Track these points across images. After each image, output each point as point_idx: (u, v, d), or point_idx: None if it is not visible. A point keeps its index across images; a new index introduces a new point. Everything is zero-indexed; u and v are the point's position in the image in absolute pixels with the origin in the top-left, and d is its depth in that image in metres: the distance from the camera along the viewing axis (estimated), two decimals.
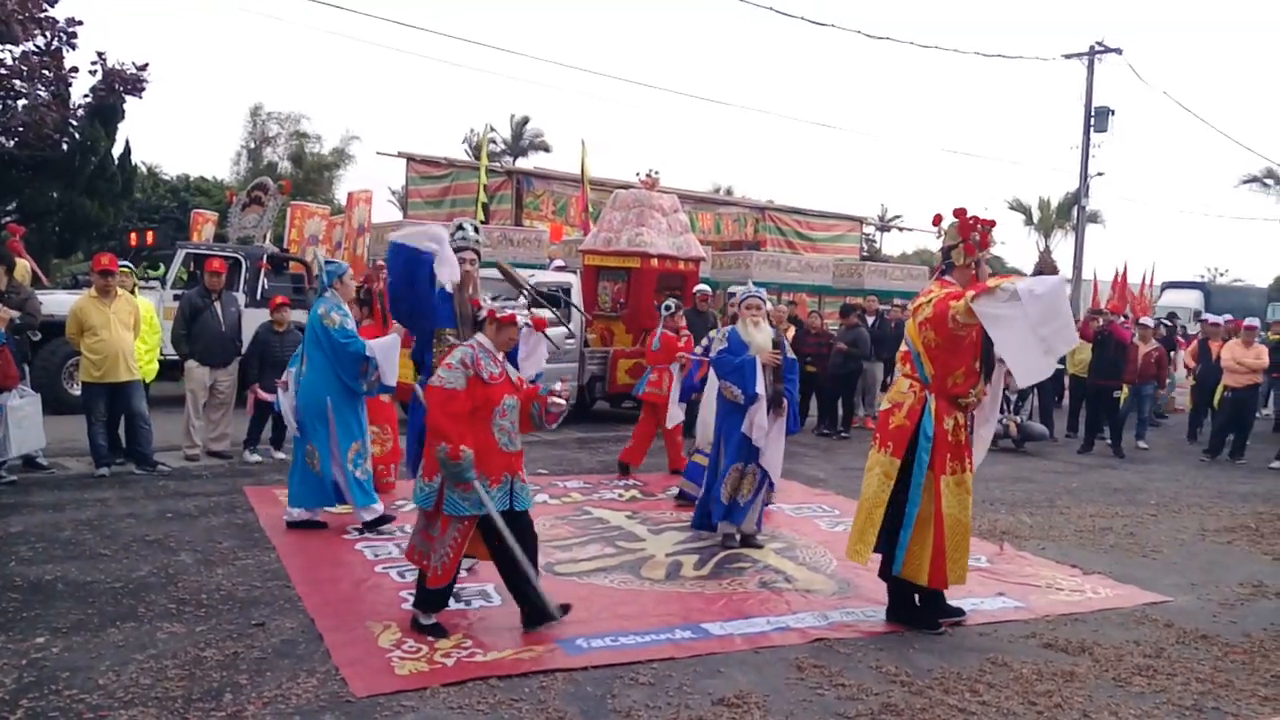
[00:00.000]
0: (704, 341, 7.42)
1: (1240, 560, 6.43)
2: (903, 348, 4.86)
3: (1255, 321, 11.76)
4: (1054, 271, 29.78)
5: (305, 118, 33.33)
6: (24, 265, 8.23)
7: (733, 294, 6.82)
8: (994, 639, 4.66)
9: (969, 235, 4.74)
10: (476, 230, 5.49)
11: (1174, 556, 6.45)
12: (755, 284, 7.18)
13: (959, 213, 4.79)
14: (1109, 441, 11.21)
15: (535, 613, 4.41)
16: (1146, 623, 4.99)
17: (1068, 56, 23.15)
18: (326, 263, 6.71)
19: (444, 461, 4.05)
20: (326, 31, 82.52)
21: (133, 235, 12.99)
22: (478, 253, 5.38)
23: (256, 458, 8.21)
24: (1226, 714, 3.84)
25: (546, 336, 5.57)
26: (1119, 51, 22.82)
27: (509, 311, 4.49)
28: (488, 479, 4.21)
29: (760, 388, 5.89)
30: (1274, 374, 12.75)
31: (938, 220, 4.90)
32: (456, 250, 5.16)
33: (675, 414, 8.11)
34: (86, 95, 16.43)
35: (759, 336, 6.07)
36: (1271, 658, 4.52)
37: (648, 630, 4.49)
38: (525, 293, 6.20)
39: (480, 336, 4.41)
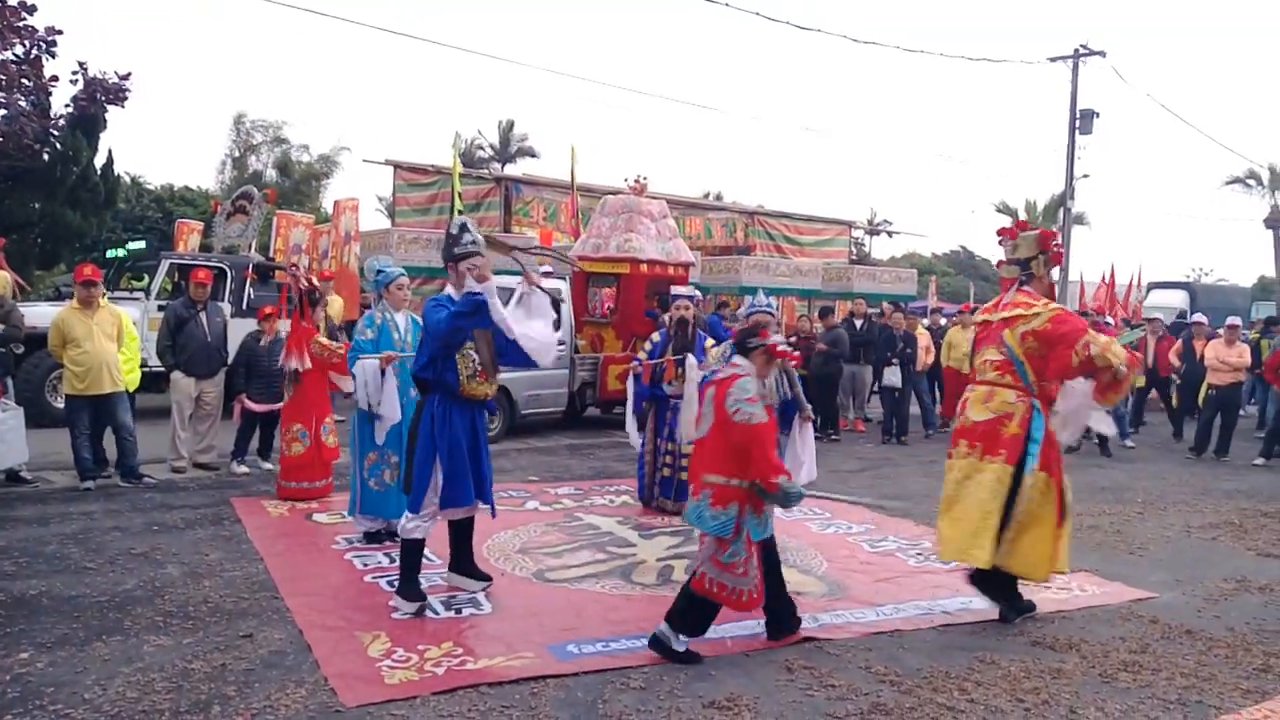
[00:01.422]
0: (647, 346, 7.39)
1: (1225, 556, 6.49)
2: (997, 356, 4.97)
3: (1238, 320, 11.88)
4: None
5: (287, 124, 33.08)
6: (4, 277, 8.17)
7: (728, 302, 6.89)
8: (982, 637, 4.69)
9: (1050, 246, 5.05)
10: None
11: (1160, 553, 6.50)
12: (743, 288, 7.21)
13: (1022, 223, 5.27)
14: (1095, 440, 11.28)
15: (784, 625, 4.53)
16: (1133, 619, 5.03)
17: (1052, 60, 23.37)
18: (378, 271, 6.23)
19: (787, 491, 4.08)
20: (311, 39, 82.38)
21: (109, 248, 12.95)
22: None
23: (244, 469, 8.18)
24: (1209, 707, 3.87)
25: (541, 288, 4.99)
26: (1103, 55, 23.04)
27: (784, 348, 4.43)
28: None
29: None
30: (1256, 372, 12.87)
31: (1012, 233, 5.19)
32: (467, 256, 4.76)
33: (632, 429, 7.27)
34: (67, 105, 16.33)
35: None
36: (1254, 651, 4.57)
37: (639, 635, 4.48)
38: (515, 257, 5.51)
39: (745, 364, 4.32)
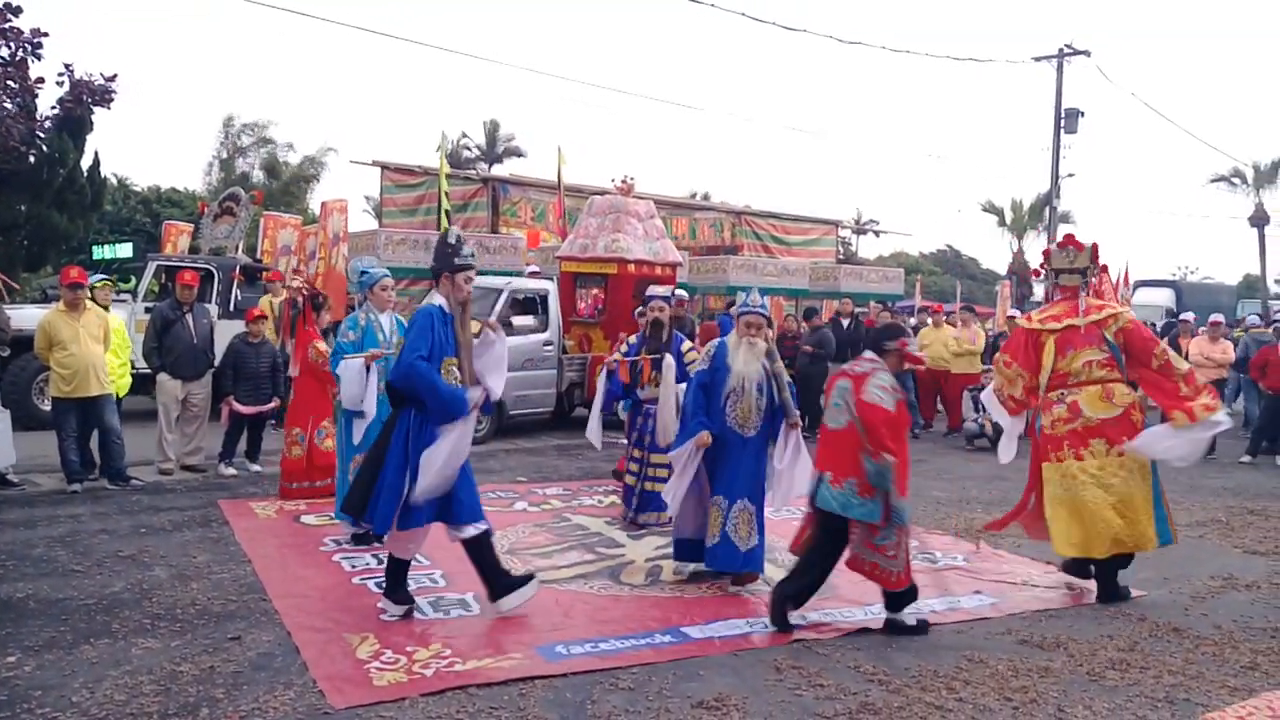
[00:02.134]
0: (622, 348, 7.00)
1: (1211, 554, 6.53)
2: (1101, 355, 5.41)
3: (1220, 317, 11.98)
4: (1027, 271, 30.22)
5: (275, 125, 32.98)
6: None
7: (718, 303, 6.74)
8: (970, 636, 4.71)
9: (1099, 258, 5.74)
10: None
11: (1147, 551, 6.52)
12: (731, 288, 7.20)
13: (1069, 238, 5.88)
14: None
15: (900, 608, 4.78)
16: (1120, 617, 5.06)
17: (1037, 59, 23.54)
18: (362, 272, 6.24)
19: (885, 470, 4.45)
20: (298, 40, 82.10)
21: (95, 249, 12.86)
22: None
23: (231, 471, 8.15)
24: (1197, 705, 3.89)
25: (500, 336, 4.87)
26: (1087, 54, 23.19)
27: (914, 352, 4.88)
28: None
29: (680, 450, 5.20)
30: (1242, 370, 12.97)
31: (1079, 245, 5.75)
32: (462, 269, 4.64)
33: (595, 430, 6.89)
34: (54, 107, 16.23)
35: (743, 362, 5.23)
36: (1241, 649, 4.60)
37: (627, 635, 4.50)
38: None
39: (879, 361, 4.73)
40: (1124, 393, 5.39)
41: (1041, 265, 6.06)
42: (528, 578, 4.88)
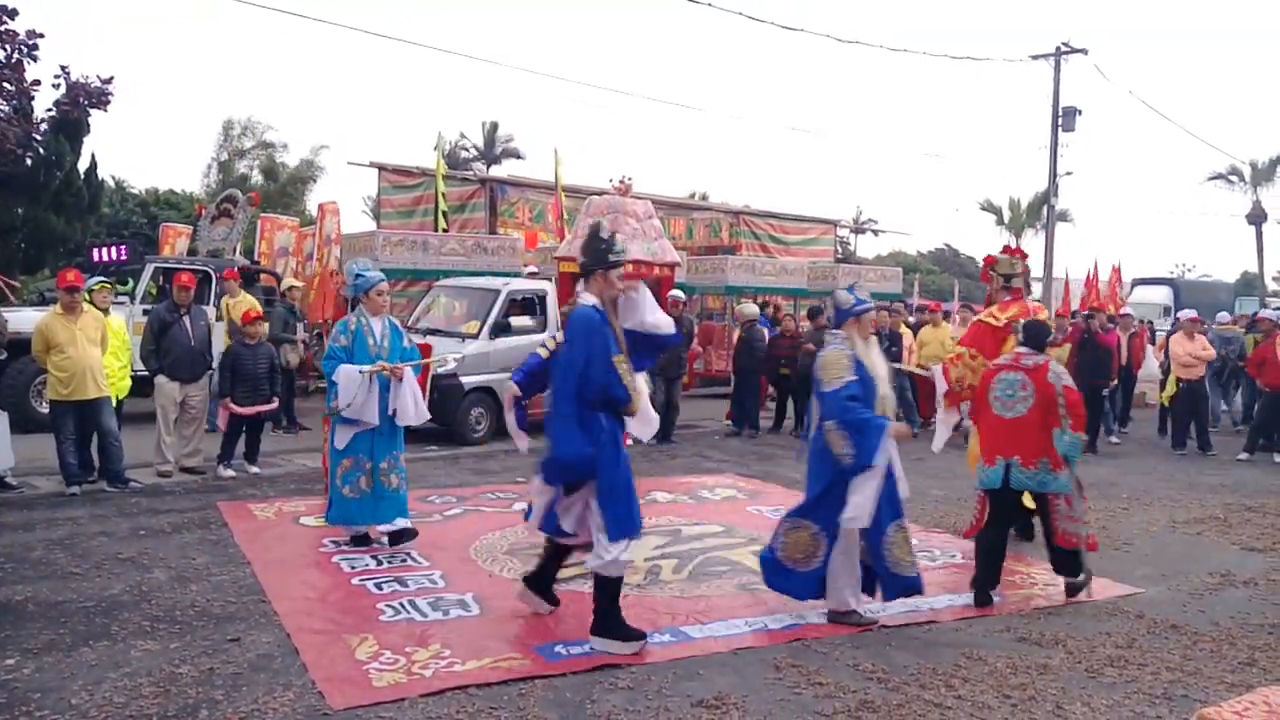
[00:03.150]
0: (550, 344, 5.17)
1: (1209, 550, 6.54)
2: None
3: (1194, 313, 12.05)
4: (1026, 272, 30.20)
5: (274, 129, 33.04)
6: None
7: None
8: (969, 634, 4.72)
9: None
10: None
11: (1145, 549, 6.55)
12: (730, 288, 7.07)
13: (1013, 249, 7.11)
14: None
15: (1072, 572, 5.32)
16: (1118, 614, 5.07)
17: (1035, 58, 23.52)
18: (356, 275, 6.00)
19: (1077, 442, 5.19)
20: (296, 42, 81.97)
21: (94, 251, 12.75)
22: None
23: (230, 473, 8.14)
24: (1194, 701, 3.90)
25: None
26: (1085, 52, 23.21)
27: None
28: None
29: (881, 457, 4.59)
30: (1241, 364, 12.99)
31: (1018, 252, 7.02)
32: (615, 265, 4.49)
33: (517, 432, 5.14)
34: (50, 109, 16.20)
35: (877, 363, 4.84)
36: (1239, 645, 4.61)
37: None
38: None
39: (1036, 353, 5.32)
40: None
41: (985, 271, 7.01)
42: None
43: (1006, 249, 7.11)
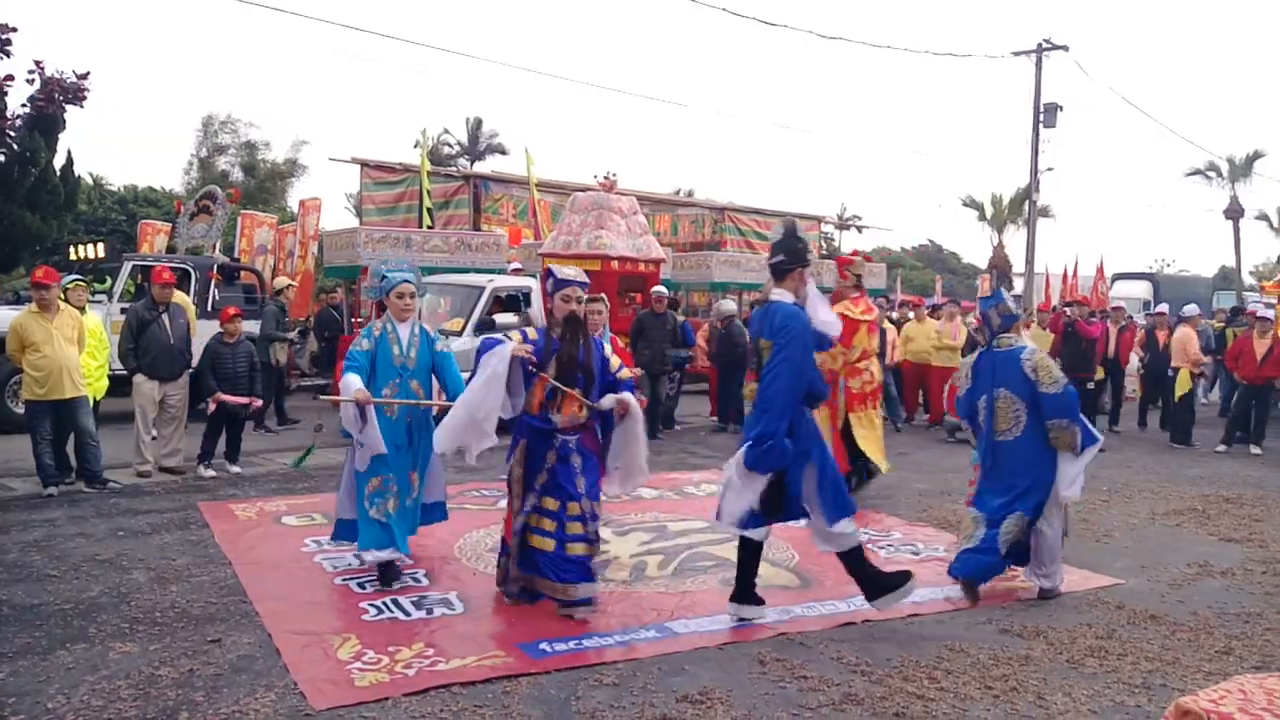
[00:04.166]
0: (517, 336, 4.84)
1: (1188, 542, 6.61)
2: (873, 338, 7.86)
3: (1196, 309, 12.17)
4: (1007, 266, 30.42)
5: (253, 123, 32.74)
6: None
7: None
8: (951, 626, 4.74)
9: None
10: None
11: (1125, 540, 6.61)
12: (714, 285, 7.20)
13: (862, 254, 8.33)
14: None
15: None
16: (1099, 605, 5.11)
17: (1016, 54, 23.61)
18: (381, 277, 5.36)
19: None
20: (276, 37, 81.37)
21: (71, 249, 12.58)
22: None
23: (211, 473, 8.07)
24: (1173, 690, 3.94)
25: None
26: (1066, 49, 23.33)
27: None
28: None
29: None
30: (1218, 358, 13.14)
31: (867, 257, 8.20)
32: (808, 263, 4.71)
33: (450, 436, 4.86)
34: (24, 105, 16.00)
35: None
36: (1216, 635, 4.66)
37: (611, 632, 4.49)
38: None
39: None
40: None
41: (842, 271, 7.86)
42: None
43: (855, 253, 8.69)
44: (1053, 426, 5.07)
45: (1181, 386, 11.45)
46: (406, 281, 5.29)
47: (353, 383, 4.97)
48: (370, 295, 5.24)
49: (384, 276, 5.33)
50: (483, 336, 4.97)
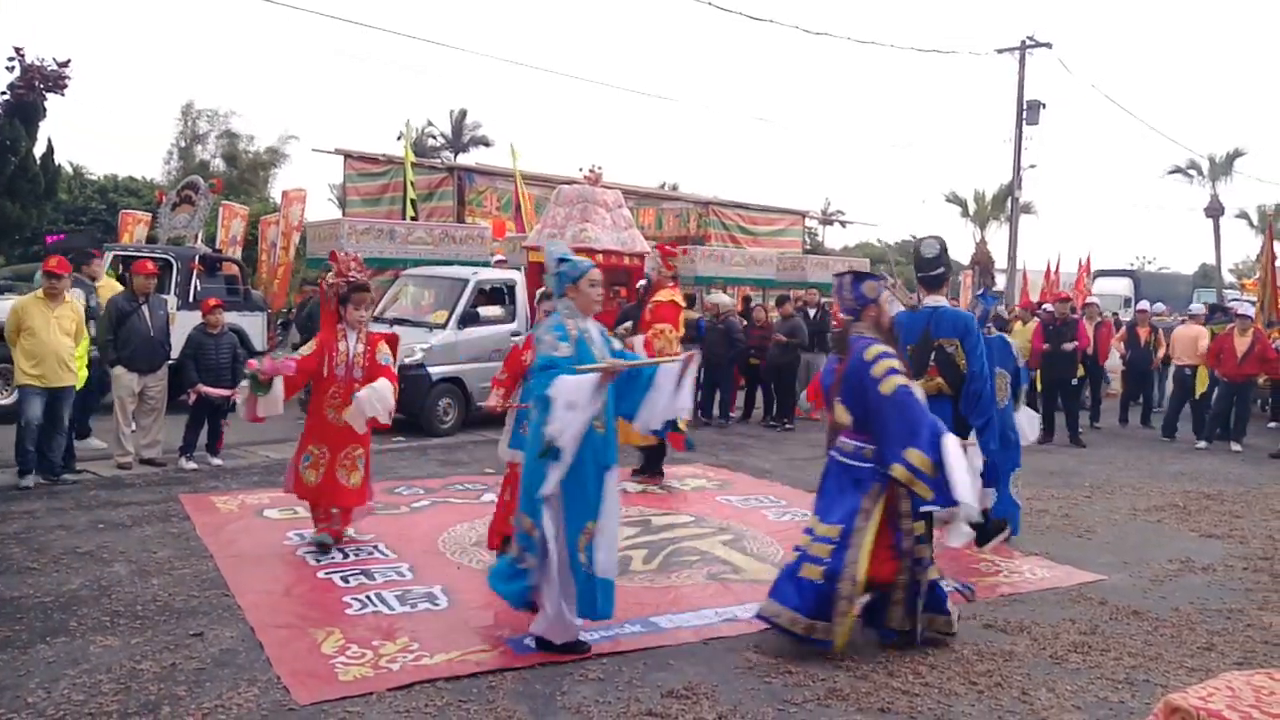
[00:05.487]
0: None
1: (1169, 538, 6.67)
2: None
3: (1201, 306, 12.32)
4: (990, 262, 30.61)
5: (235, 114, 32.49)
6: None
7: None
8: None
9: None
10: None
11: (1107, 536, 6.66)
12: (699, 279, 7.24)
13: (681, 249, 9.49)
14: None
15: None
16: (1082, 601, 5.14)
17: (1000, 51, 23.69)
18: (560, 260, 4.25)
19: None
20: (259, 25, 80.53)
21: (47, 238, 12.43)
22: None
23: (192, 465, 7.99)
24: (1156, 685, 3.97)
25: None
26: (1049, 46, 23.43)
27: None
28: None
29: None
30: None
31: (684, 251, 9.14)
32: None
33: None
34: (4, 93, 15.80)
35: None
36: (1198, 630, 4.70)
37: (596, 627, 4.47)
38: None
39: None
40: None
41: (667, 263, 8.38)
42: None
43: (675, 242, 9.77)
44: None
45: (1201, 384, 11.57)
46: (594, 267, 4.31)
47: (584, 379, 3.96)
48: (550, 282, 4.28)
49: (564, 259, 4.25)
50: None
